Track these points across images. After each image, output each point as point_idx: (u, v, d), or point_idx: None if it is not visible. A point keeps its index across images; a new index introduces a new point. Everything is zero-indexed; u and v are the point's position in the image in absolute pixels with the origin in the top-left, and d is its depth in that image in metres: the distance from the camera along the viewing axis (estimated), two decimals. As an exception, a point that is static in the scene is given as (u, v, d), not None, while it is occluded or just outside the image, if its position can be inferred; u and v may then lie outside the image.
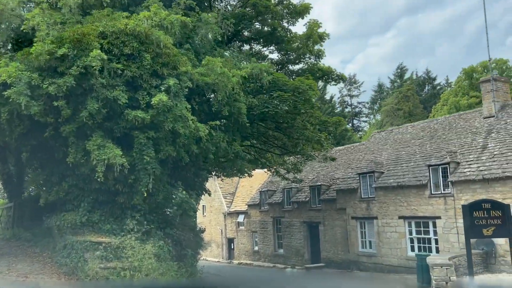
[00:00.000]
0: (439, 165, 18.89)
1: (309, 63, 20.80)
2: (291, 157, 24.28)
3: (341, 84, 63.15)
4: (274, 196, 30.63)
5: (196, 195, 18.60)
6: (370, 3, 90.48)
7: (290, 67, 21.48)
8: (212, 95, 14.72)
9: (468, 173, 17.63)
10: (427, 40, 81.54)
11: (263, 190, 32.00)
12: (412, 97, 53.05)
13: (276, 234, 30.27)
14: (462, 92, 45.95)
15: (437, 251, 18.57)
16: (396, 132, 25.30)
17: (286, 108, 15.12)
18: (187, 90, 13.18)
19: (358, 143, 29.59)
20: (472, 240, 17.00)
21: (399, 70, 63.82)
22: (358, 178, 22.98)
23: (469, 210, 13.87)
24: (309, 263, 26.17)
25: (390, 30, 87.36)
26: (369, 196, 22.24)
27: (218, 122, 13.81)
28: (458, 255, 15.45)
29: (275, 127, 17.78)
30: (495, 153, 17.56)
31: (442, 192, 18.66)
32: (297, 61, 20.52)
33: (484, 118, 20.14)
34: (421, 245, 19.50)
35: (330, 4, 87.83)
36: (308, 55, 20.42)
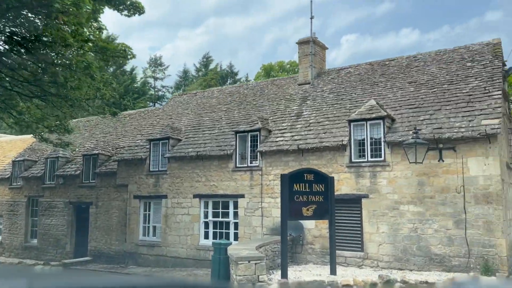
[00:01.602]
0: (248, 131, 15.16)
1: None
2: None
3: (146, 64, 57.63)
4: (34, 168, 22.45)
5: None
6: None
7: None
8: None
9: (281, 143, 14.36)
10: (231, 43, 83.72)
11: (18, 159, 23.29)
12: (215, 86, 52.22)
13: (30, 219, 22.16)
14: (260, 87, 46.66)
15: (236, 238, 14.82)
16: (201, 96, 20.99)
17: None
18: None
19: (153, 107, 24.20)
20: (278, 224, 13.76)
21: (205, 59, 62.14)
22: (148, 146, 17.64)
23: (289, 182, 10.15)
24: (72, 257, 19.42)
25: (200, 26, 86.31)
26: (160, 169, 17.15)
27: None
28: (265, 243, 11.75)
29: (8, 39, 10.69)
30: (311, 121, 14.80)
31: (249, 165, 15.00)
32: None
33: (300, 84, 17.55)
34: (218, 230, 15.47)
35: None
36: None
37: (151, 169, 17.39)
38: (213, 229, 15.57)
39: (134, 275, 14.82)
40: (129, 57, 12.63)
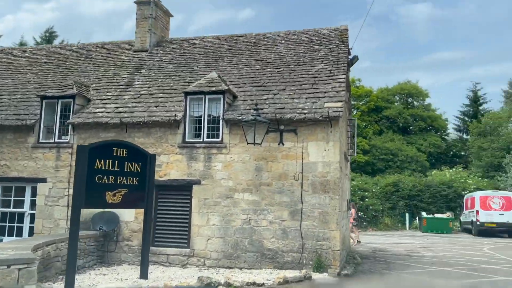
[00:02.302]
0: (58, 98, 11.88)
1: None
2: None
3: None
4: None
5: None
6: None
7: None
8: None
9: (100, 114, 11.50)
10: (86, 23, 75.55)
11: None
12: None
13: None
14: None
15: (32, 233, 11.39)
16: (7, 54, 16.46)
17: None
18: None
19: None
20: (88, 216, 10.96)
21: (47, 34, 53.71)
22: None
23: (90, 156, 7.51)
24: None
25: (50, 1, 75.69)
26: None
27: None
28: (57, 239, 8.83)
29: None
30: (142, 92, 12.27)
31: (57, 140, 11.73)
32: None
33: (135, 51, 14.80)
34: (7, 224, 11.75)
35: None
36: None
37: None
38: (1, 222, 11.78)
39: None
40: None
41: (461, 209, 26.41)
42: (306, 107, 10.29)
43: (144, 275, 8.17)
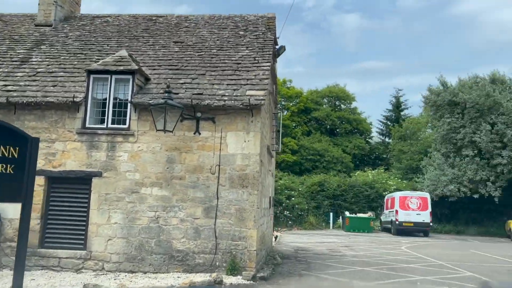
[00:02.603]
0: None
1: None
2: None
3: None
4: None
5: None
6: None
7: None
8: None
9: (-17, 92, 9.66)
10: (9, 10, 68.95)
11: None
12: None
13: None
14: None
15: None
16: None
17: None
18: None
19: None
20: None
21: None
22: None
23: None
24: None
25: None
26: None
27: None
28: None
29: None
30: (39, 70, 10.57)
31: None
32: None
33: (37, 25, 12.92)
34: None
35: None
36: None
37: None
38: None
39: None
40: None
41: (381, 209, 27.16)
42: (227, 94, 9.36)
43: (17, 284, 6.67)
